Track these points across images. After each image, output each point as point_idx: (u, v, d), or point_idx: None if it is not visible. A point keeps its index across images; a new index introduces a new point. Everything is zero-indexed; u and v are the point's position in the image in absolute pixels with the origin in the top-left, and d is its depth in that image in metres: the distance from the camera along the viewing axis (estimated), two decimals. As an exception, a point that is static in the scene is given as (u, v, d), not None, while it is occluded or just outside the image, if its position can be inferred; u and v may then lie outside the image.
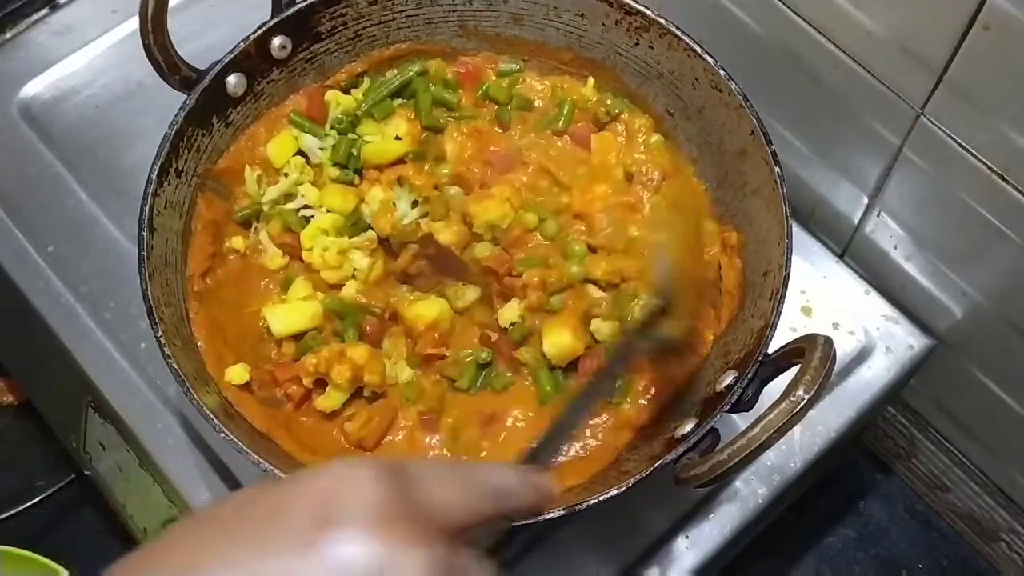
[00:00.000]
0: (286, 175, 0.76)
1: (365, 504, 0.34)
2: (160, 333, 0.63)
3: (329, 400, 0.70)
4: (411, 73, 0.79)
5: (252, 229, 0.76)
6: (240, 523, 0.35)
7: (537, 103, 0.80)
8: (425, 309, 0.72)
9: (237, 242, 0.74)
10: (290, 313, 0.72)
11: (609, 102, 0.78)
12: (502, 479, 0.41)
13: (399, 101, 0.79)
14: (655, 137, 0.78)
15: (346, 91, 0.79)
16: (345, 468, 0.35)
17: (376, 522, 0.34)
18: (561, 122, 0.78)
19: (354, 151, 0.77)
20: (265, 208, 0.76)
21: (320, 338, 0.72)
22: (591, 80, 0.79)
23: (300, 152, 0.78)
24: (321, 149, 0.77)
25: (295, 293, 0.73)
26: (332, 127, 0.78)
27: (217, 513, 0.36)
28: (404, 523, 0.34)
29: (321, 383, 0.71)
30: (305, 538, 0.33)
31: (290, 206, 0.76)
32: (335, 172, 0.77)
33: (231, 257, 0.74)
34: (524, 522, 0.46)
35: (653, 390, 0.71)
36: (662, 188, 0.75)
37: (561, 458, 0.57)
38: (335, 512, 0.34)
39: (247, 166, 0.75)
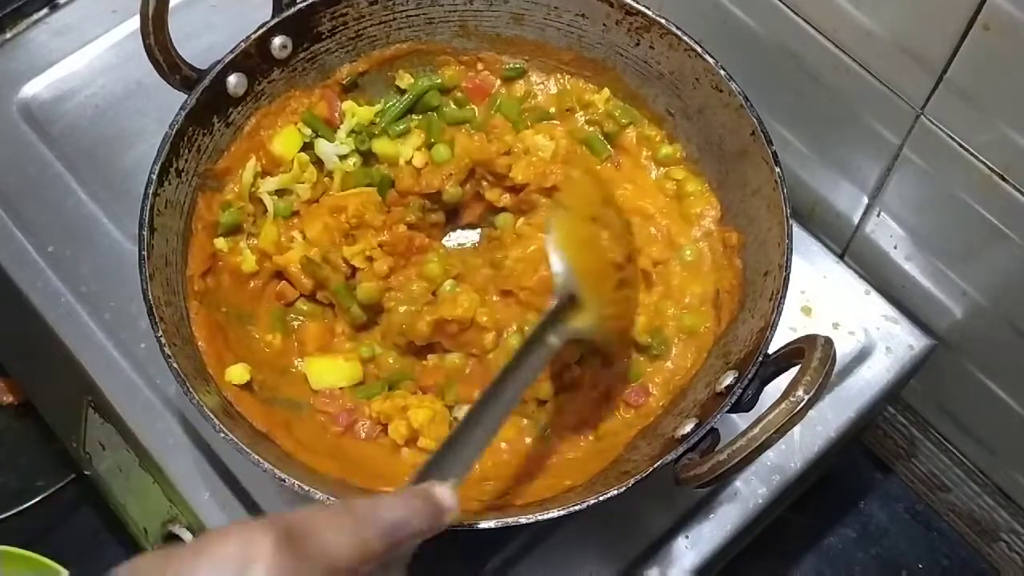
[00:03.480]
0: (287, 172, 0.76)
1: (265, 572, 0.36)
2: (160, 333, 0.63)
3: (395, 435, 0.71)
4: (425, 87, 0.80)
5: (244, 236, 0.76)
6: None
7: (552, 110, 0.80)
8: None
9: (220, 243, 0.74)
10: (331, 371, 0.73)
11: (617, 113, 0.78)
12: (392, 512, 0.44)
13: (415, 120, 0.80)
14: (665, 149, 0.78)
15: (347, 90, 0.79)
16: (244, 534, 0.37)
17: None
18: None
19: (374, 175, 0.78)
20: (264, 195, 0.76)
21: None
22: (606, 91, 0.79)
23: (303, 149, 0.78)
24: (339, 157, 0.78)
25: (339, 347, 0.74)
26: (349, 136, 0.78)
27: None
28: None
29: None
30: None
31: (283, 201, 0.76)
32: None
33: (220, 263, 0.74)
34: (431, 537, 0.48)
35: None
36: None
37: (474, 467, 0.54)
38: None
39: (252, 156, 0.75)
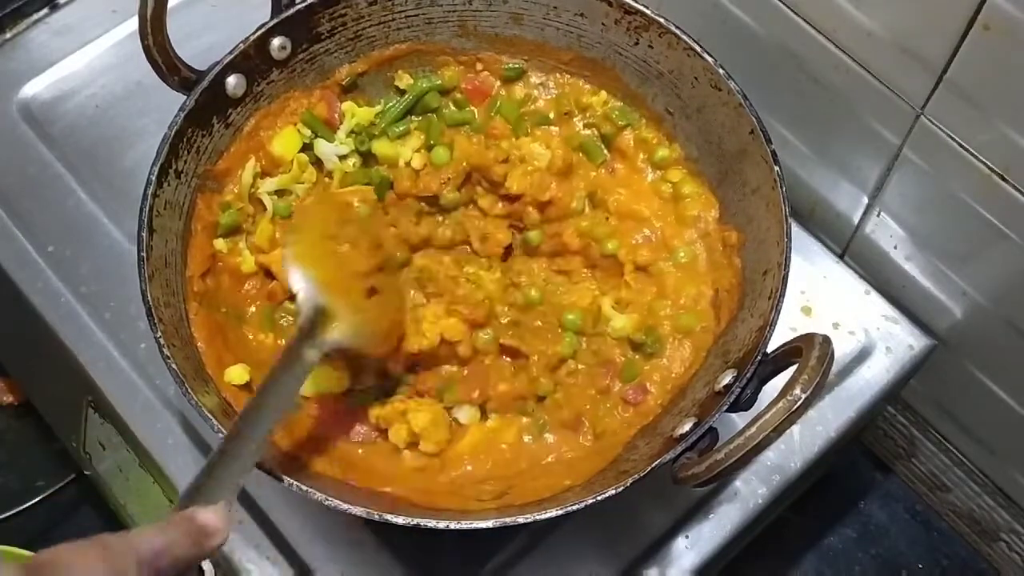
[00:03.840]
0: (287, 172, 0.76)
1: None
2: (159, 334, 0.63)
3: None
4: (425, 88, 0.80)
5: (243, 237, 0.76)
6: None
7: (551, 115, 0.80)
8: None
9: (219, 244, 0.74)
10: (317, 378, 0.71)
11: (615, 115, 0.78)
12: (148, 542, 0.44)
13: (415, 121, 0.80)
14: (662, 151, 0.78)
15: (347, 91, 0.79)
16: None
17: None
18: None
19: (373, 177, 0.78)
20: (264, 196, 0.76)
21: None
22: (603, 93, 0.79)
23: (303, 150, 0.78)
24: (339, 157, 0.78)
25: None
26: (349, 136, 0.78)
27: None
28: None
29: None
30: None
31: (283, 201, 0.76)
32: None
33: (220, 264, 0.74)
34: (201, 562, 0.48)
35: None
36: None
37: (241, 487, 0.54)
38: None
39: (252, 157, 0.75)
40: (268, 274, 0.75)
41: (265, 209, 0.76)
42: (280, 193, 0.77)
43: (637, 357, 0.73)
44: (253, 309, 0.75)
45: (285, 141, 0.77)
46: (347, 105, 0.79)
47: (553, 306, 0.76)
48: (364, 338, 0.66)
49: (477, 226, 0.78)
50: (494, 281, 0.76)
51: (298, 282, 0.64)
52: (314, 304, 0.63)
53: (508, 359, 0.74)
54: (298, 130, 0.77)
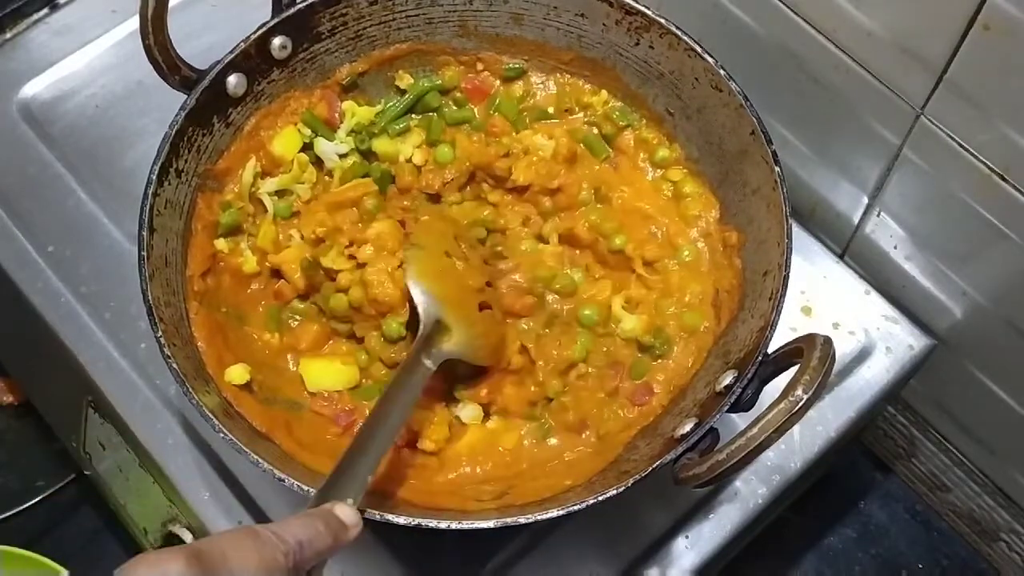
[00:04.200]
0: (287, 172, 0.76)
1: None
2: (160, 333, 0.63)
3: None
4: (425, 88, 0.80)
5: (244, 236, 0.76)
6: None
7: (550, 110, 0.80)
8: None
9: (220, 244, 0.74)
10: (327, 374, 0.73)
11: (615, 115, 0.78)
12: (296, 533, 0.47)
13: (415, 119, 0.80)
14: (663, 152, 0.78)
15: (347, 90, 0.79)
16: (151, 560, 0.39)
17: None
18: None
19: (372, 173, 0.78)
20: (264, 196, 0.76)
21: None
22: (604, 93, 0.79)
23: (303, 150, 0.78)
24: (339, 156, 0.78)
25: (337, 349, 0.75)
26: (349, 135, 0.78)
27: None
28: None
29: None
30: None
31: (283, 201, 0.76)
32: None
33: (221, 264, 0.74)
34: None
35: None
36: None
37: (369, 486, 0.57)
38: None
39: (252, 156, 0.75)
40: (275, 274, 0.75)
41: (266, 210, 0.76)
42: (280, 193, 0.77)
43: (645, 357, 0.73)
44: (260, 309, 0.75)
45: (285, 141, 0.77)
46: (347, 104, 0.79)
47: (571, 300, 0.76)
48: (475, 350, 0.69)
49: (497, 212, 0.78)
50: (554, 255, 0.76)
51: (419, 296, 0.68)
52: (435, 318, 0.67)
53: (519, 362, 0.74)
54: (298, 130, 0.77)
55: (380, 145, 0.78)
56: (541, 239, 0.77)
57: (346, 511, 0.53)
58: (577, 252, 0.77)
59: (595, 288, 0.75)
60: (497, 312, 0.73)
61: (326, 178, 0.79)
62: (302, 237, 0.75)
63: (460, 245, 0.73)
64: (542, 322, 0.74)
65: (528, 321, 0.74)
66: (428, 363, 0.65)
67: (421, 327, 0.67)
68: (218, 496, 0.78)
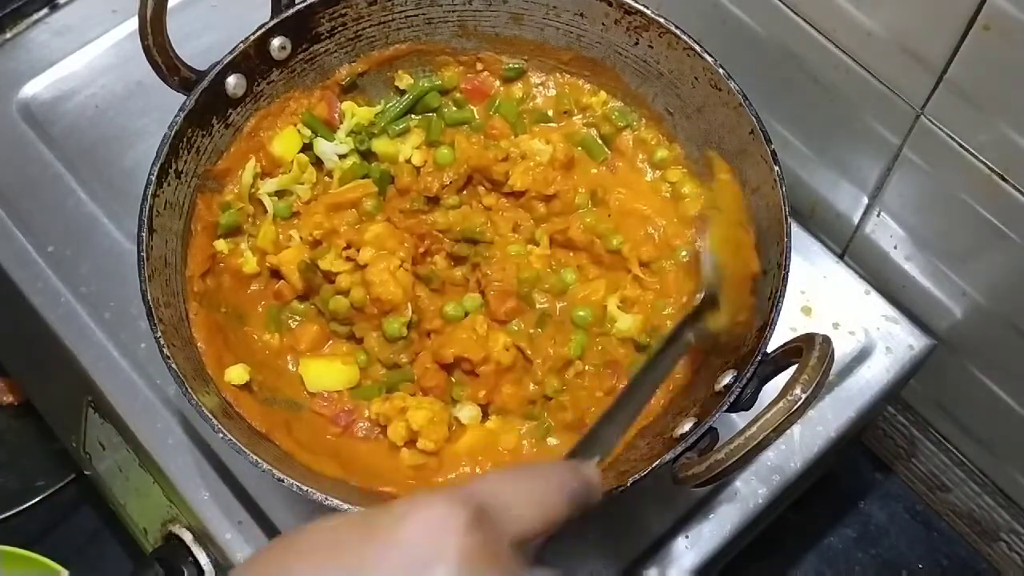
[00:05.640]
0: (287, 173, 0.76)
1: (459, 551, 0.35)
2: (159, 334, 0.63)
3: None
4: (425, 88, 0.80)
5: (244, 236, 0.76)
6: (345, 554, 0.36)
7: (549, 112, 0.80)
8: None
9: (220, 244, 0.74)
10: (327, 374, 0.72)
11: (614, 116, 0.78)
12: (566, 480, 0.43)
13: (415, 119, 0.80)
14: (662, 152, 0.78)
15: (347, 91, 0.79)
16: (432, 518, 0.36)
17: (471, 569, 0.35)
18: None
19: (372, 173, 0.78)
20: (264, 196, 0.76)
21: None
22: (603, 94, 0.79)
23: (303, 151, 0.78)
24: (339, 156, 0.78)
25: (336, 349, 0.74)
26: (348, 136, 0.78)
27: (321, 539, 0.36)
28: (495, 565, 0.36)
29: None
30: None
31: (283, 202, 0.76)
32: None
33: (221, 264, 0.74)
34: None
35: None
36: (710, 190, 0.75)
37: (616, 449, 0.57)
38: (433, 558, 0.35)
39: (251, 157, 0.75)
40: (275, 274, 0.75)
41: (266, 210, 0.76)
42: (280, 194, 0.77)
43: (641, 357, 0.73)
44: (260, 309, 0.75)
45: (285, 141, 0.77)
46: (347, 105, 0.79)
47: (563, 299, 0.76)
48: (733, 336, 0.66)
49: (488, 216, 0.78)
50: (541, 258, 0.76)
51: (707, 265, 0.65)
52: (712, 292, 0.64)
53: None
54: (298, 130, 0.77)
55: (380, 146, 0.78)
56: (531, 242, 0.77)
57: (593, 468, 0.49)
58: (571, 253, 0.78)
59: (589, 288, 0.75)
60: (748, 300, 0.68)
61: (326, 179, 0.79)
62: (301, 239, 0.75)
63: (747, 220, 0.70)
64: (532, 322, 0.74)
65: (518, 323, 0.74)
66: (690, 337, 0.62)
67: (697, 299, 0.64)
68: (218, 496, 0.78)
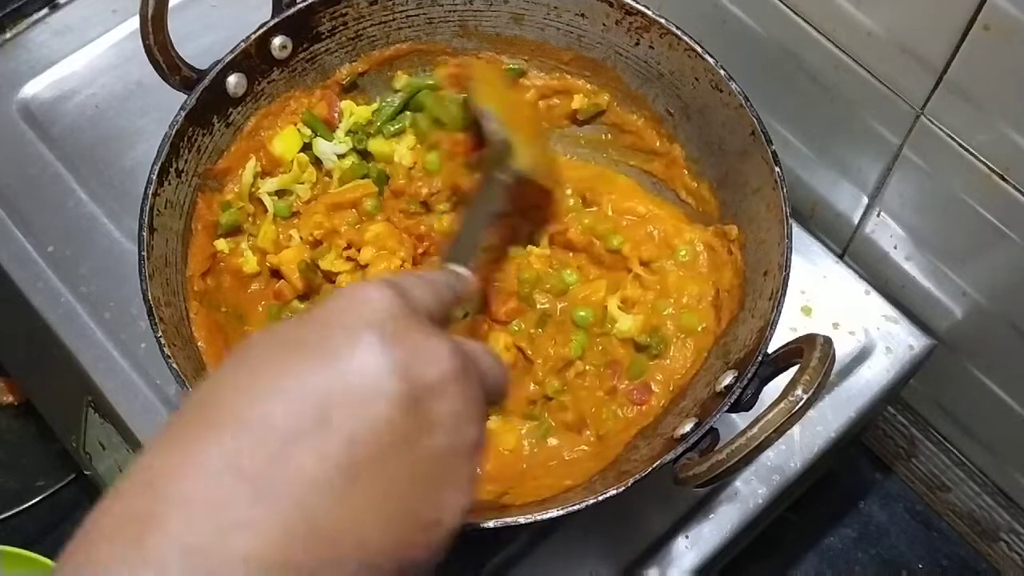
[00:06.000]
0: (287, 172, 0.76)
1: (384, 315, 0.40)
2: (160, 333, 0.63)
3: None
4: (418, 86, 0.80)
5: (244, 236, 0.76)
6: (293, 346, 0.39)
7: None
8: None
9: (221, 244, 0.74)
10: None
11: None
12: (447, 279, 0.52)
13: (411, 117, 0.80)
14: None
15: (347, 90, 0.79)
16: (357, 290, 0.41)
17: (396, 327, 0.40)
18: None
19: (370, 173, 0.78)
20: (264, 196, 0.76)
21: None
22: (579, 96, 0.80)
23: (303, 150, 0.78)
24: (338, 156, 0.78)
25: None
26: (347, 135, 0.78)
27: (268, 341, 0.40)
28: (416, 323, 0.41)
29: None
30: (350, 348, 0.38)
31: (283, 201, 0.76)
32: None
33: (221, 264, 0.74)
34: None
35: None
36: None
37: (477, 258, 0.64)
38: (365, 324, 0.39)
39: (252, 156, 0.75)
40: (275, 274, 0.75)
41: (266, 210, 0.76)
42: (280, 193, 0.77)
43: (642, 357, 0.73)
44: (260, 309, 0.75)
45: (285, 141, 0.77)
46: (346, 104, 0.79)
47: (563, 299, 0.76)
48: (539, 168, 0.74)
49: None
50: (541, 258, 0.76)
51: (489, 119, 0.72)
52: (502, 138, 0.71)
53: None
54: (298, 130, 0.77)
55: (375, 145, 0.78)
56: (531, 242, 0.78)
57: (463, 269, 0.58)
58: (571, 254, 0.78)
59: (589, 288, 0.76)
60: (546, 140, 0.79)
61: (325, 179, 0.79)
62: (301, 239, 0.75)
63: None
64: (533, 322, 0.74)
65: (519, 323, 0.74)
66: (504, 177, 0.69)
67: (491, 147, 0.72)
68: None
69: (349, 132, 0.79)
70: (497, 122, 0.72)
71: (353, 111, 0.79)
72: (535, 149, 0.74)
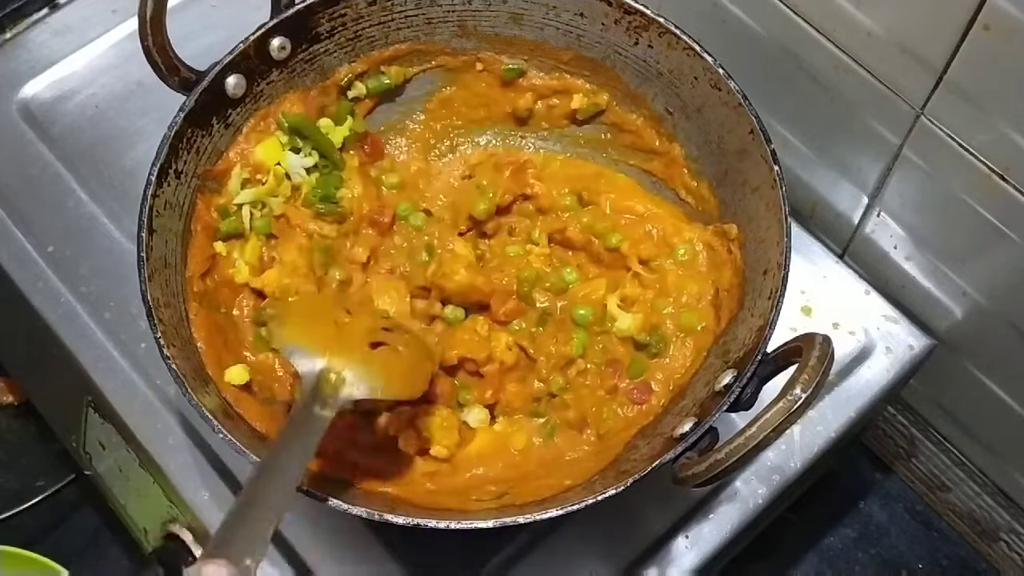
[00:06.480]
0: (264, 182, 0.75)
1: None
2: (159, 334, 0.63)
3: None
4: (373, 88, 0.79)
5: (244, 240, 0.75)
6: None
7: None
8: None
9: (220, 246, 0.73)
10: None
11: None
12: None
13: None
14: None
15: (345, 90, 0.79)
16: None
17: None
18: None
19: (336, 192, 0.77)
20: (245, 208, 0.75)
21: None
22: (579, 95, 0.79)
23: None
24: (306, 169, 0.76)
25: None
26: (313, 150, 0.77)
27: None
28: None
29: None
30: None
31: (260, 215, 0.75)
32: (316, 208, 0.76)
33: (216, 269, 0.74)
34: None
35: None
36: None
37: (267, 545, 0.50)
38: None
39: (238, 165, 0.75)
40: (258, 294, 0.74)
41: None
42: (259, 205, 0.75)
43: (642, 356, 0.73)
44: (247, 320, 0.74)
45: (267, 149, 0.75)
46: (324, 121, 0.77)
47: (563, 298, 0.76)
48: (379, 386, 0.62)
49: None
50: (540, 257, 0.76)
51: (294, 353, 0.61)
52: (312, 368, 0.60)
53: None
54: (278, 138, 0.76)
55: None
56: (531, 242, 0.78)
57: (226, 567, 0.45)
58: (570, 253, 0.78)
59: (589, 287, 0.76)
60: (411, 343, 0.67)
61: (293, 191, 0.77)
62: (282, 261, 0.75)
63: (338, 305, 0.68)
64: (534, 321, 0.74)
65: (519, 322, 0.74)
66: (325, 412, 0.59)
67: (304, 383, 0.60)
68: (218, 496, 0.78)
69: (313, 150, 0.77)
70: (303, 354, 0.61)
71: (329, 128, 0.77)
72: (371, 364, 0.62)
